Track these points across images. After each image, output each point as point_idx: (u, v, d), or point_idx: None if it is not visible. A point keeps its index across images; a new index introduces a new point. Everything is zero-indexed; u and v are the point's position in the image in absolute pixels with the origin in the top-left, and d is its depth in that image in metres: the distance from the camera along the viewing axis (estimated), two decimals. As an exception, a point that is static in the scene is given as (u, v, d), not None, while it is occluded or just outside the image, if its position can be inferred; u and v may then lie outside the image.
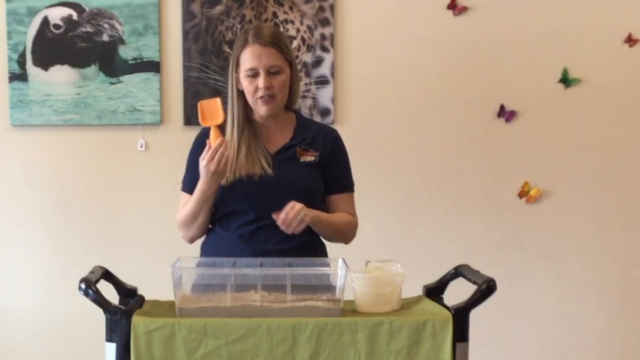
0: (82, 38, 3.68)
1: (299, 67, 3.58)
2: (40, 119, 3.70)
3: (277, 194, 2.46)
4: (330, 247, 2.60)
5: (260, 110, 2.49)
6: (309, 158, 2.53)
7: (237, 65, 2.50)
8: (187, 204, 2.53)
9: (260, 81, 2.45)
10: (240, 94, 2.52)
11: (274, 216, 2.39)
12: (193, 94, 3.70)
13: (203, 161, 2.39)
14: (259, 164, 2.47)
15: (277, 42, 2.48)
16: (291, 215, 2.38)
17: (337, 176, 2.58)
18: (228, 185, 2.48)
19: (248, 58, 2.46)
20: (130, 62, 3.69)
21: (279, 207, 2.44)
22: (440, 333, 2.06)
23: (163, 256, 3.31)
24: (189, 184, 2.57)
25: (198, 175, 2.52)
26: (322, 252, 2.57)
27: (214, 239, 2.57)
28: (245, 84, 2.48)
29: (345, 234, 2.59)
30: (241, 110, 2.52)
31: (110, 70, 3.69)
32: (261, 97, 2.46)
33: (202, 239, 2.62)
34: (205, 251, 2.58)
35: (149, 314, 2.12)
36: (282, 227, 2.39)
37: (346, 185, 2.62)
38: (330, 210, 2.59)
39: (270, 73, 2.46)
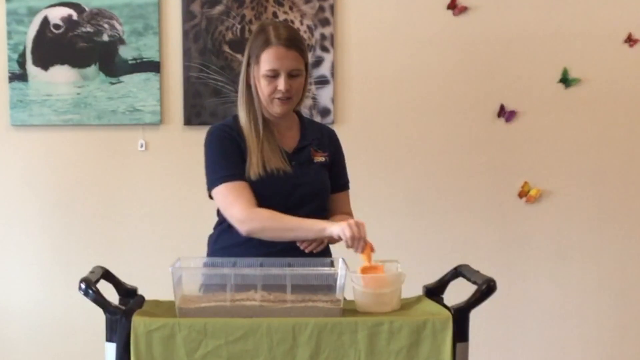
0: (82, 38, 3.68)
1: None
2: (40, 119, 3.70)
3: (300, 195, 2.47)
4: (331, 246, 2.60)
5: (276, 109, 2.47)
6: (321, 159, 2.55)
7: (257, 63, 2.45)
8: (287, 217, 2.39)
9: (281, 83, 2.43)
10: (255, 90, 2.49)
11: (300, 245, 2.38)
12: (193, 94, 3.70)
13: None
14: (281, 159, 2.47)
15: (300, 45, 2.47)
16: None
17: (339, 175, 2.63)
18: (257, 180, 2.43)
19: (270, 59, 2.43)
20: (130, 62, 3.69)
21: (301, 209, 2.44)
22: (440, 333, 2.06)
23: (163, 256, 3.30)
24: (236, 172, 2.43)
25: (238, 160, 2.44)
26: (326, 250, 2.55)
27: (225, 235, 2.53)
28: (263, 83, 2.45)
29: None
30: (258, 106, 2.50)
31: (110, 70, 3.69)
32: (278, 98, 2.45)
33: (211, 233, 2.62)
34: (215, 246, 2.57)
35: (149, 314, 2.12)
36: (305, 249, 2.39)
37: (345, 183, 2.67)
38: (330, 208, 2.60)
39: (291, 76, 2.45)
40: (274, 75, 2.43)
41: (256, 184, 2.44)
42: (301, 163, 2.51)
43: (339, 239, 2.34)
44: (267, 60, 2.43)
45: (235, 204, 2.41)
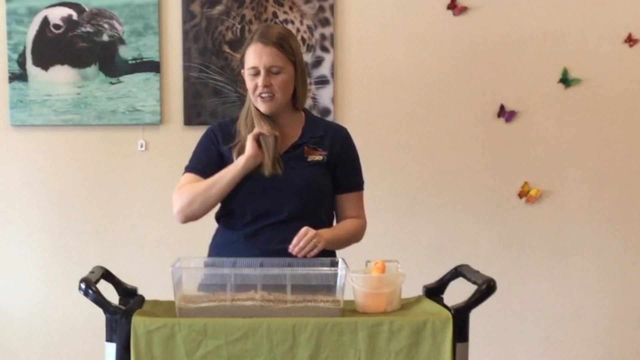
0: (82, 38, 3.68)
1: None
2: (40, 119, 3.70)
3: (283, 193, 2.47)
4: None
5: (260, 107, 2.50)
6: (317, 157, 2.52)
7: (243, 64, 2.52)
8: (200, 180, 2.51)
9: (260, 80, 2.45)
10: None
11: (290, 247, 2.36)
12: (193, 94, 3.70)
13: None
14: (269, 161, 2.47)
15: (281, 42, 2.47)
16: (304, 242, 2.36)
17: (347, 175, 2.58)
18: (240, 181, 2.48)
19: (250, 56, 2.47)
20: (130, 62, 3.69)
21: (282, 206, 2.46)
22: (440, 333, 2.06)
23: (163, 256, 3.31)
24: (195, 164, 2.56)
25: (206, 157, 2.54)
26: (328, 249, 2.54)
27: (221, 238, 2.57)
28: (247, 81, 2.50)
29: (353, 241, 2.59)
30: (252, 107, 2.52)
31: (110, 70, 3.69)
32: (260, 95, 2.47)
33: (211, 237, 2.63)
34: (213, 250, 2.59)
35: (149, 314, 2.12)
36: (295, 253, 2.36)
37: (355, 184, 2.62)
38: (338, 209, 2.59)
39: (271, 72, 2.46)
40: (255, 73, 2.47)
41: (239, 185, 2.47)
42: (290, 162, 2.50)
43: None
44: (248, 58, 2.49)
45: (174, 192, 2.52)
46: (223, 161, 2.52)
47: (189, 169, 2.56)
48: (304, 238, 2.36)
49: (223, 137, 2.55)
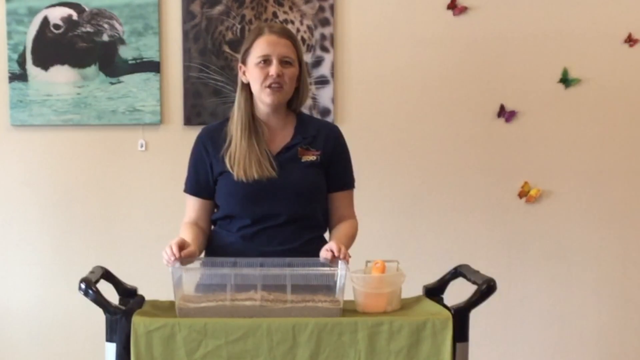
0: (82, 38, 3.68)
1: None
2: (40, 119, 3.70)
3: (280, 195, 2.46)
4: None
5: (267, 99, 2.47)
6: (311, 157, 2.52)
7: (247, 55, 2.49)
8: (199, 203, 2.57)
9: (273, 69, 2.44)
10: (245, 87, 2.51)
11: (322, 257, 2.30)
12: (193, 94, 3.70)
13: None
14: (264, 166, 2.46)
15: (292, 36, 2.51)
16: (343, 254, 2.28)
17: (340, 174, 2.58)
18: (231, 186, 2.47)
19: (262, 46, 2.46)
20: (130, 62, 3.69)
21: (281, 209, 2.45)
22: (440, 333, 2.07)
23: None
24: (189, 186, 2.59)
25: (197, 177, 2.55)
26: None
27: (219, 240, 2.56)
28: (255, 72, 2.46)
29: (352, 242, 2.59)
30: (247, 105, 2.51)
31: (110, 70, 3.69)
32: (270, 86, 2.45)
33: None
34: (211, 252, 2.57)
35: (149, 314, 2.12)
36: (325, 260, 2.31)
37: (348, 182, 2.61)
38: (332, 208, 2.59)
39: (283, 63, 2.46)
40: (265, 61, 2.45)
41: (230, 189, 2.48)
42: (285, 163, 2.49)
43: None
44: (258, 48, 2.47)
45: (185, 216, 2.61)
46: (216, 172, 2.52)
47: (187, 190, 2.60)
48: (339, 254, 2.28)
49: (213, 146, 2.53)
